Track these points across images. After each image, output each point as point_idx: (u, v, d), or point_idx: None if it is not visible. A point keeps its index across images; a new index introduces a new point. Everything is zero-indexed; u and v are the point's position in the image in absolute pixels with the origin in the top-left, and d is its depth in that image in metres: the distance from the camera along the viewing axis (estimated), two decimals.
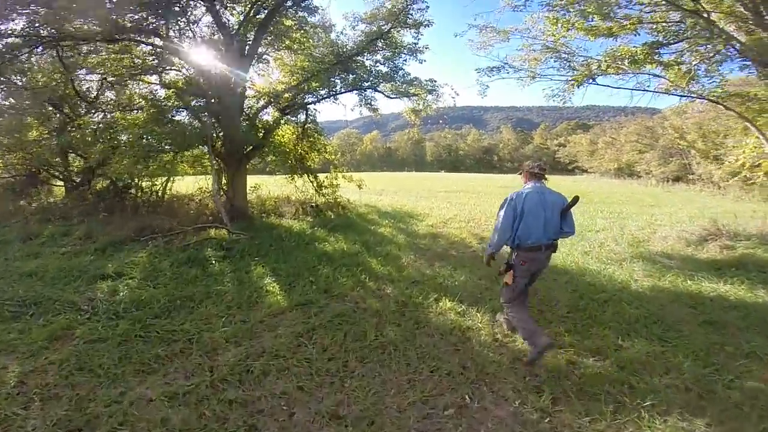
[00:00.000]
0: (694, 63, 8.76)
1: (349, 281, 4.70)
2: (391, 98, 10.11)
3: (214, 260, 5.29)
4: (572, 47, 10.17)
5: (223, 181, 8.50)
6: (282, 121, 9.51)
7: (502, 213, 2.98)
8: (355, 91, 10.33)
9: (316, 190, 10.09)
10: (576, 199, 3.00)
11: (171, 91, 7.36)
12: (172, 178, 9.08)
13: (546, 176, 3.16)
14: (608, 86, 9.62)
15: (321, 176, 10.57)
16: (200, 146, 7.98)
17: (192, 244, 5.96)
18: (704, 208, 13.26)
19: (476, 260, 5.84)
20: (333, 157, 10.91)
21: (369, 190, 19.21)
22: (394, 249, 6.25)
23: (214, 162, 7.91)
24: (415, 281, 4.82)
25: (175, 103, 7.51)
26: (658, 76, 9.88)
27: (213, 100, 7.51)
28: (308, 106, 9.85)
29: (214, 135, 7.74)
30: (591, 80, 10.29)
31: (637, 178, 37.76)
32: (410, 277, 4.94)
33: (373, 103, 10.58)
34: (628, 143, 39.61)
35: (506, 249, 3.20)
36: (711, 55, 8.26)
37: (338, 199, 10.34)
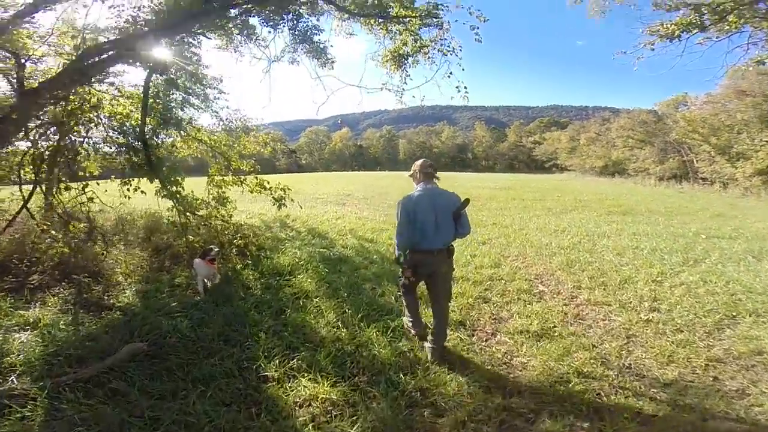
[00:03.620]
0: None
1: None
2: (356, 18, 4.84)
3: None
4: None
5: None
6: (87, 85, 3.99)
7: (397, 220, 2.83)
8: (272, 21, 5.01)
9: (179, 211, 4.59)
10: (467, 202, 2.82)
11: None
12: None
13: (437, 176, 2.94)
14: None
15: (197, 182, 5.15)
16: None
17: None
18: None
19: None
20: (221, 144, 5.48)
21: (332, 196, 13.89)
22: None
23: None
24: None
25: None
26: None
27: None
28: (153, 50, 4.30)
29: None
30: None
31: (627, 176, 34.57)
32: None
33: (314, 38, 5.27)
34: (619, 139, 36.27)
35: None
36: None
37: (226, 229, 4.93)
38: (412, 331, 3.13)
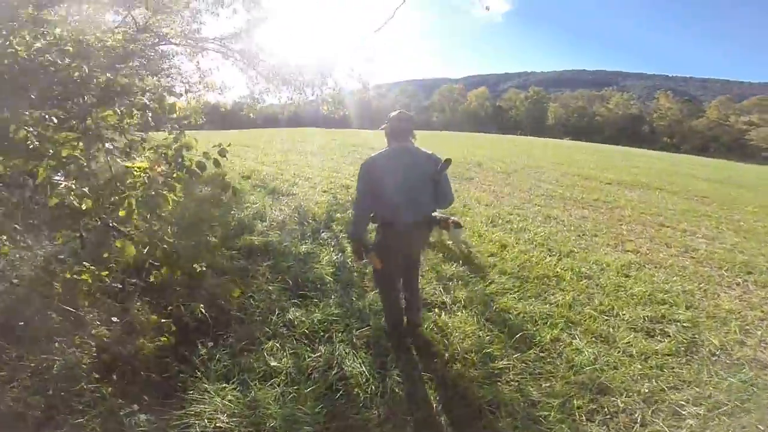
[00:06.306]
0: None
1: None
2: None
3: None
4: None
5: None
6: None
7: (358, 187, 2.31)
8: None
9: None
10: (448, 162, 2.18)
11: None
12: None
13: (414, 134, 2.25)
14: None
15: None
16: None
17: None
18: None
19: None
20: None
21: (456, 163, 9.76)
22: None
23: None
24: None
25: None
26: None
27: None
28: None
29: None
30: None
31: None
32: None
33: None
34: None
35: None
36: None
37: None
38: (391, 334, 2.43)
